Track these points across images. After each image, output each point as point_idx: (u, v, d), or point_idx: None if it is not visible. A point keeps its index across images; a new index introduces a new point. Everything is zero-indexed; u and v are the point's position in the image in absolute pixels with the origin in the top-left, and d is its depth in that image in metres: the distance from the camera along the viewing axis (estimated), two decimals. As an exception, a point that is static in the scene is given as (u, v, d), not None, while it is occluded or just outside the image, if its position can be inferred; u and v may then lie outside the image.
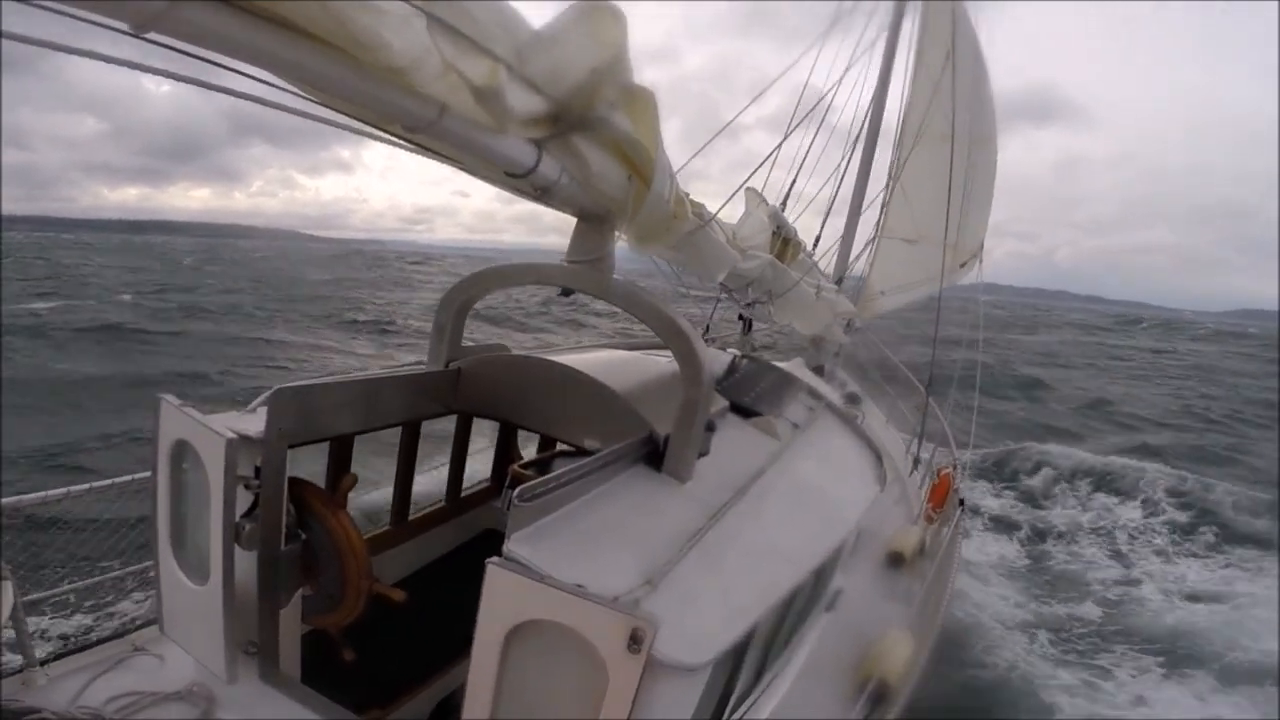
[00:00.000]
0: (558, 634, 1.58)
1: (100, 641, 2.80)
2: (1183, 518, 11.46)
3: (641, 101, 2.22)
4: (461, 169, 2.08)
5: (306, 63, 1.20)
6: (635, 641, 1.49)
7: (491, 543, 3.90)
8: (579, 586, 1.58)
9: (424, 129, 1.56)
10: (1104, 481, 12.99)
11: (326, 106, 1.48)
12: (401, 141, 1.76)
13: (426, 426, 3.40)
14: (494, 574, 1.64)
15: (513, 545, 1.72)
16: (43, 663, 2.63)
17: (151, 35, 1.04)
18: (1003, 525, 11.10)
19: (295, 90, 1.36)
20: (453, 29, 1.42)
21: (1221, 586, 9.11)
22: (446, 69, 1.45)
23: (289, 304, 35.02)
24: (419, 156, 1.95)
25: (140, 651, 2.71)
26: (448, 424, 3.76)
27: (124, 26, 1.03)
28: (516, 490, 1.78)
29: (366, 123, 1.62)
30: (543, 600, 1.58)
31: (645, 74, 2.29)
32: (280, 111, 1.41)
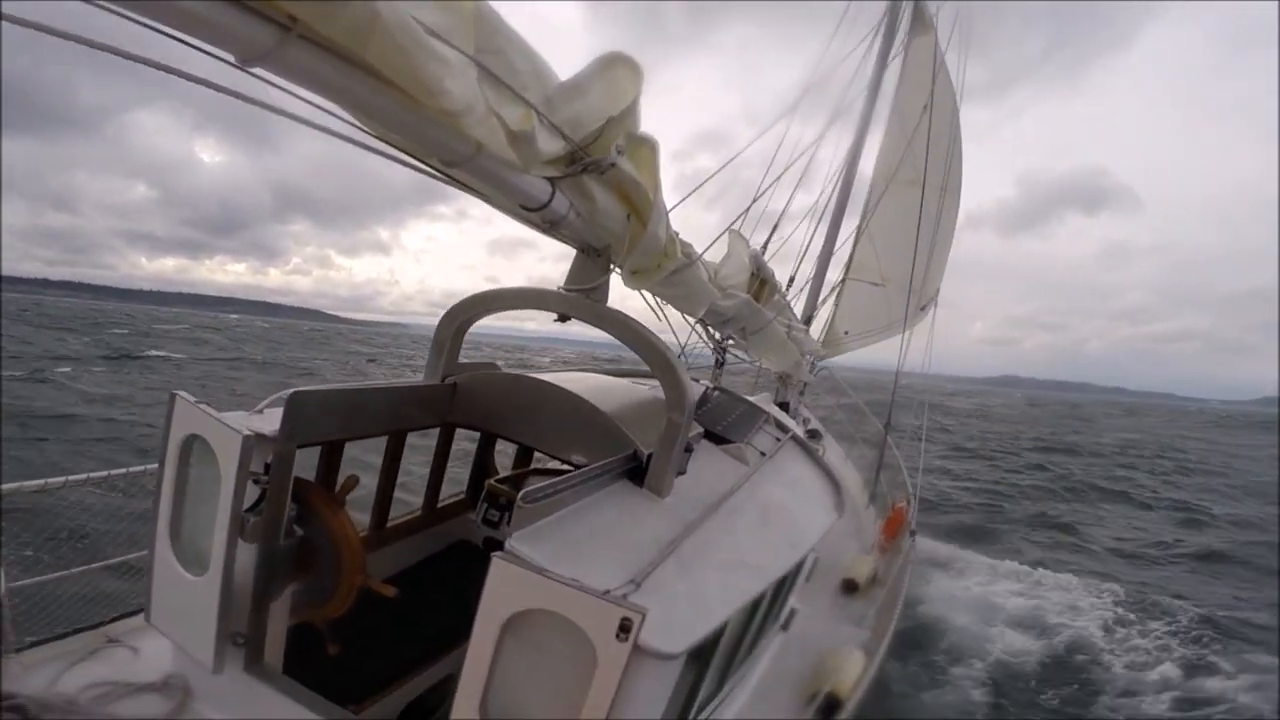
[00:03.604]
0: (552, 622, 1.72)
1: (75, 631, 2.83)
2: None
3: (646, 149, 2.43)
4: (484, 200, 2.25)
5: (379, 103, 1.38)
6: (624, 630, 1.66)
7: (463, 553, 3.98)
8: (574, 580, 1.74)
9: (460, 164, 1.74)
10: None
11: (381, 140, 1.64)
12: (437, 173, 1.92)
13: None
14: (498, 566, 1.78)
15: (515, 542, 1.87)
16: (18, 650, 2.64)
17: (255, 69, 1.19)
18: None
19: (357, 124, 1.52)
20: (497, 78, 1.60)
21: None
22: (489, 113, 1.63)
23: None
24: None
25: (115, 643, 2.76)
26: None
27: (230, 58, 1.17)
28: (521, 493, 1.97)
29: (411, 155, 1.79)
30: (542, 591, 1.73)
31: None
32: (339, 141, 1.57)
